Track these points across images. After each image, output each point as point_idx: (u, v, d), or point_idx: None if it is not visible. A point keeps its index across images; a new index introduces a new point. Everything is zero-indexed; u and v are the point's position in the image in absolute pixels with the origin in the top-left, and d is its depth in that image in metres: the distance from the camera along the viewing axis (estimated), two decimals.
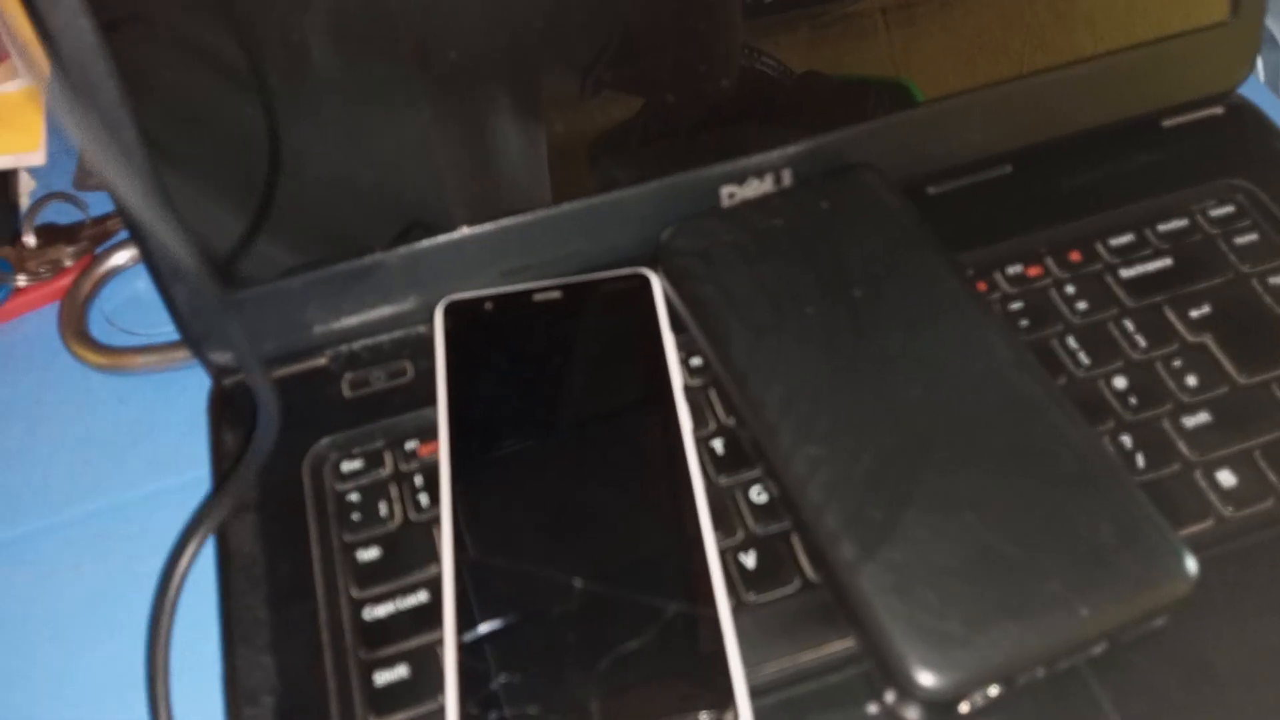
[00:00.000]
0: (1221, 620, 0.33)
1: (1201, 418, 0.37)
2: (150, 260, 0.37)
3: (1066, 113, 0.45)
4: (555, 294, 0.41)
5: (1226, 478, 0.36)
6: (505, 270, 0.41)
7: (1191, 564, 0.31)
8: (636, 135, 0.40)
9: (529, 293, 0.41)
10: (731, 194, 0.42)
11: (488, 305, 0.41)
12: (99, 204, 0.49)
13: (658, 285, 0.40)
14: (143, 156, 0.35)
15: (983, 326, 0.36)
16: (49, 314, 0.46)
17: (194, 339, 0.39)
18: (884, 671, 0.30)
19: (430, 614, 0.34)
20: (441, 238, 0.40)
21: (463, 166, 0.39)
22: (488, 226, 0.40)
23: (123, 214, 0.36)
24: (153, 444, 0.42)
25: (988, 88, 0.43)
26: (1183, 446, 0.36)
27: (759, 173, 0.42)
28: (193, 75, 0.35)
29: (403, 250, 0.40)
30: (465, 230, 0.40)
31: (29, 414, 0.43)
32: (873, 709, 0.32)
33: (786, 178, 0.42)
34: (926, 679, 0.29)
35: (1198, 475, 0.36)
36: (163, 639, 0.34)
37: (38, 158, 0.49)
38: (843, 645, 0.33)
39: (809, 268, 0.38)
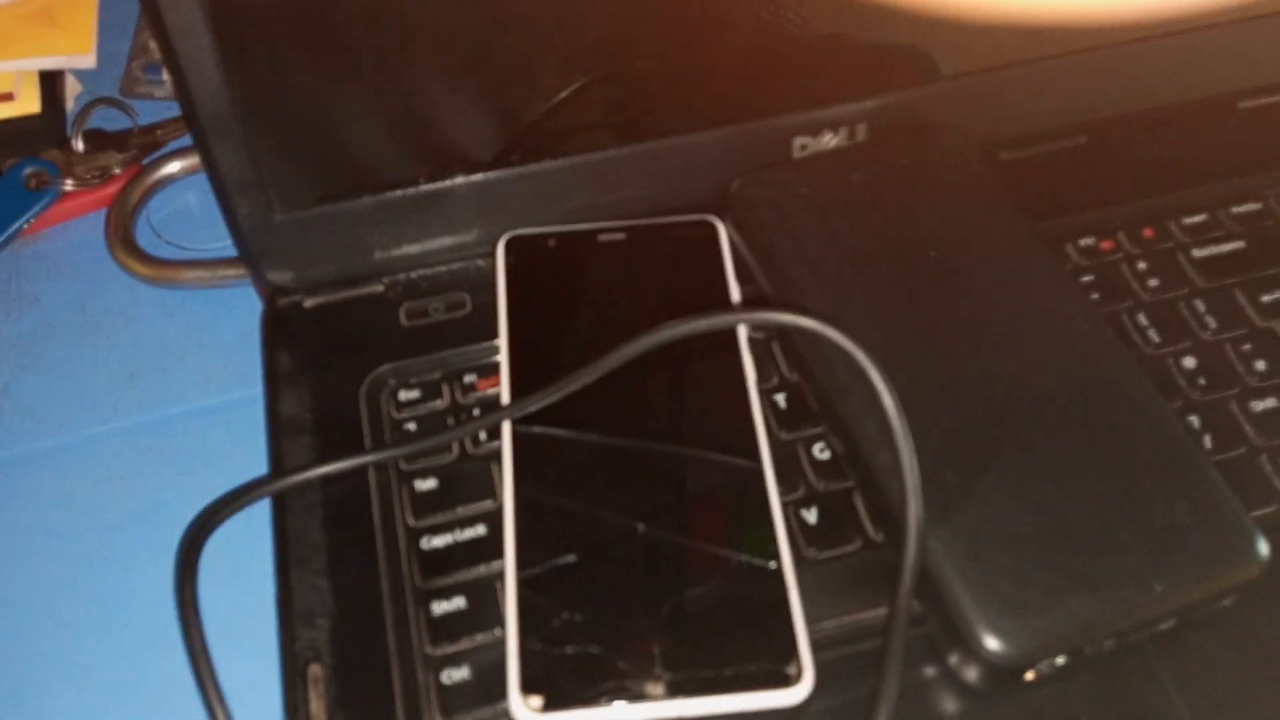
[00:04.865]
0: None
1: (1269, 403, 0.37)
2: (214, 171, 0.36)
3: (1144, 87, 0.44)
4: (620, 235, 0.40)
5: None
6: (570, 209, 0.40)
7: (1264, 546, 0.30)
8: (704, 80, 0.39)
9: (593, 232, 0.40)
10: (804, 146, 0.41)
11: (550, 242, 0.40)
12: (148, 113, 0.48)
13: (724, 234, 0.39)
14: (216, 64, 0.34)
15: (1064, 296, 0.35)
16: (95, 221, 0.45)
17: (253, 255, 0.39)
18: (950, 635, 0.30)
19: (488, 548, 0.34)
20: (509, 170, 0.39)
21: (529, 101, 0.38)
22: (556, 162, 0.39)
23: (190, 121, 0.35)
24: (201, 360, 0.41)
25: (1063, 56, 0.42)
26: (1250, 430, 0.36)
27: (833, 125, 0.41)
28: None
29: (470, 179, 0.39)
30: (533, 164, 0.39)
31: (74, 322, 0.42)
32: (930, 671, 0.32)
33: (861, 133, 0.41)
34: (996, 644, 0.29)
35: (1263, 460, 0.35)
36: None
37: (89, 60, 0.48)
38: None
39: (887, 225, 0.37)
